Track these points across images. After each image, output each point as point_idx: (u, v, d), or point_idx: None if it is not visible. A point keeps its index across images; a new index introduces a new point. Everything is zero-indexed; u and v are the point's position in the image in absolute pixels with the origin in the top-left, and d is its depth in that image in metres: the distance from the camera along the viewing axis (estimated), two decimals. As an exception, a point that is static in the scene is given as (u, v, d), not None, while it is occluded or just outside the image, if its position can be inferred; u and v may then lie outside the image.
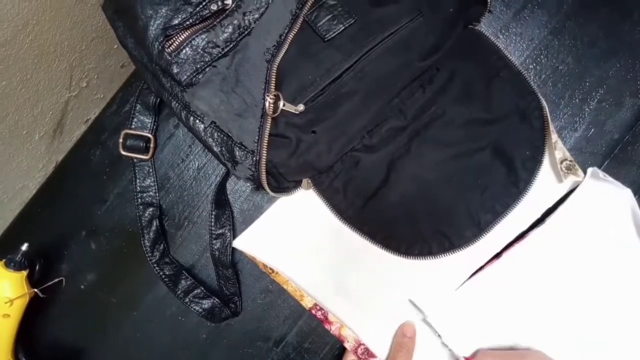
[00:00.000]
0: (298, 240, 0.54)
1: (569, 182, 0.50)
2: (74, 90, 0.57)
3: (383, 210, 0.51)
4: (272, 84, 0.45)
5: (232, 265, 0.55)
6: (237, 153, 0.46)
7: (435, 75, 0.51)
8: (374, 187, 0.51)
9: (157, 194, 0.56)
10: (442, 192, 0.50)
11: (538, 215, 0.51)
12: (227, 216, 0.55)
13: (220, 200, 0.55)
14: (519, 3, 0.52)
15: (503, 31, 0.52)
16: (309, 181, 0.52)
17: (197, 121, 0.46)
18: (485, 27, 0.52)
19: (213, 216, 0.54)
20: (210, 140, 0.47)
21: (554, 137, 0.49)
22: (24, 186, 0.59)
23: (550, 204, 0.51)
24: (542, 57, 0.52)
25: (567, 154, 0.50)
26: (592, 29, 0.52)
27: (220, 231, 0.55)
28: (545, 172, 0.50)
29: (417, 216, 0.51)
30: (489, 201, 0.50)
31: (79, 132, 0.60)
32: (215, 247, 0.55)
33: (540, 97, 0.49)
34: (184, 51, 0.44)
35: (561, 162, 0.50)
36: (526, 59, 0.52)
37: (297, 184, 0.51)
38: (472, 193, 0.50)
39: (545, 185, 0.50)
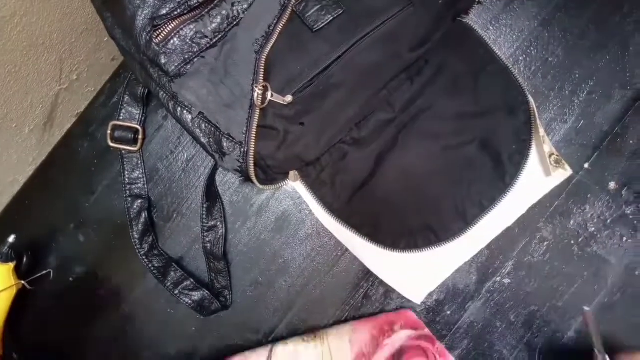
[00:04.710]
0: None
1: (557, 176, 0.50)
2: (64, 83, 0.56)
3: (370, 203, 0.51)
4: (261, 75, 0.45)
5: (224, 257, 0.55)
6: (225, 144, 0.46)
7: (424, 68, 0.51)
8: (361, 180, 0.51)
9: (145, 186, 0.56)
10: (429, 185, 0.50)
11: (524, 210, 0.51)
12: (218, 208, 0.55)
13: (211, 193, 0.55)
14: (509, -5, 0.52)
15: (493, 22, 0.52)
16: (297, 173, 0.52)
17: (185, 112, 0.46)
18: (475, 18, 0.52)
19: (205, 209, 0.54)
20: (198, 131, 0.47)
21: (541, 131, 0.49)
22: (14, 180, 0.59)
23: (537, 199, 0.51)
24: (532, 48, 0.52)
25: (553, 149, 0.50)
26: (583, 21, 0.51)
27: (212, 223, 0.54)
28: (531, 166, 0.50)
29: (403, 209, 0.51)
30: (476, 195, 0.50)
31: (70, 125, 0.60)
32: (207, 239, 0.54)
33: (527, 92, 0.49)
34: (172, 41, 0.44)
35: (550, 156, 0.49)
36: (516, 51, 0.52)
37: (284, 176, 0.51)
38: (459, 187, 0.50)
39: (531, 180, 0.50)
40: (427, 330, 0.52)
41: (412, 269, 0.52)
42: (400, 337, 0.50)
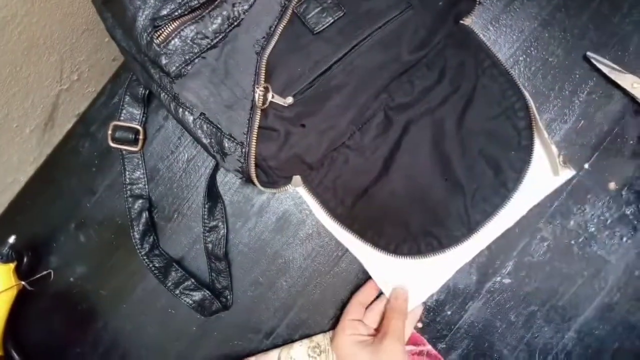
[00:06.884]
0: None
1: (561, 176, 0.50)
2: (64, 83, 0.57)
3: (373, 209, 0.51)
4: (262, 76, 0.45)
5: (225, 257, 0.55)
6: (226, 144, 0.46)
7: (424, 71, 0.50)
8: (365, 186, 0.51)
9: (146, 186, 0.56)
10: (432, 191, 0.50)
11: (524, 212, 0.51)
12: (219, 208, 0.55)
13: (212, 193, 0.55)
14: (509, -5, 0.52)
15: (493, 23, 0.52)
16: (300, 178, 0.51)
17: (186, 113, 0.46)
18: (475, 18, 0.52)
19: (206, 209, 0.54)
20: (200, 131, 0.47)
21: (545, 133, 0.49)
22: (14, 180, 0.59)
23: (539, 199, 0.51)
24: (532, 49, 0.52)
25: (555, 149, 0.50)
26: (582, 21, 0.51)
27: (214, 223, 0.55)
28: (533, 170, 0.50)
29: (406, 215, 0.51)
30: (479, 202, 0.49)
31: (71, 125, 0.60)
32: (209, 239, 0.54)
33: (527, 96, 0.49)
34: (172, 42, 0.44)
35: (558, 157, 0.49)
36: (516, 51, 0.52)
37: (287, 180, 0.51)
38: (462, 193, 0.50)
39: (534, 182, 0.50)
40: (429, 346, 0.52)
41: (413, 274, 0.52)
42: None
